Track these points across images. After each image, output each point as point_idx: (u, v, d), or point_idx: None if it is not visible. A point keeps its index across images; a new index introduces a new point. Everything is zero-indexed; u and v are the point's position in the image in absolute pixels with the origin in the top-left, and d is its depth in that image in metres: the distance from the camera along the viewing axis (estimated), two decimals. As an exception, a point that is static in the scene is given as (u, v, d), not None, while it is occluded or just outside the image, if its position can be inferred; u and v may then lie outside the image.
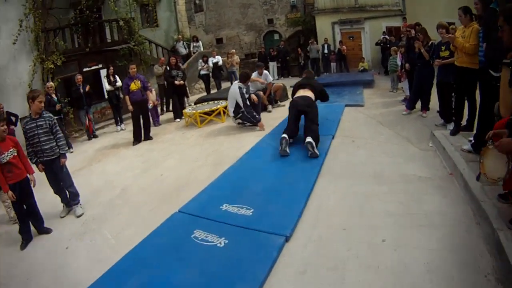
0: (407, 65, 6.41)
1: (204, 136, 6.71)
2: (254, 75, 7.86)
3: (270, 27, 16.37)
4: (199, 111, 7.57)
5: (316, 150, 4.43)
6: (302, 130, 4.90)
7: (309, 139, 4.49)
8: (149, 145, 6.76)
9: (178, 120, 8.40)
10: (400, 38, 8.98)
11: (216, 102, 8.13)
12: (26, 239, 3.64)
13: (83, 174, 5.65)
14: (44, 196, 4.28)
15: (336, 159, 4.49)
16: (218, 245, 2.83)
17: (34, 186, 3.81)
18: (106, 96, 8.68)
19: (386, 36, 11.59)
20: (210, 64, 10.56)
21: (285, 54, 13.85)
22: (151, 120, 7.60)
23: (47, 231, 3.83)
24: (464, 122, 4.56)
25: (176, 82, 8.29)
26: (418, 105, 6.19)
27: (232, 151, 5.43)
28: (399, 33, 10.31)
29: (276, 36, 16.31)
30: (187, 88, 9.85)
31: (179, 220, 3.38)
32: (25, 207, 3.71)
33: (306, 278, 2.42)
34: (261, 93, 7.65)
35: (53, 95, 7.04)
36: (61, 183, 4.17)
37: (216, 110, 7.59)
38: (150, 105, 7.45)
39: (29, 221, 3.74)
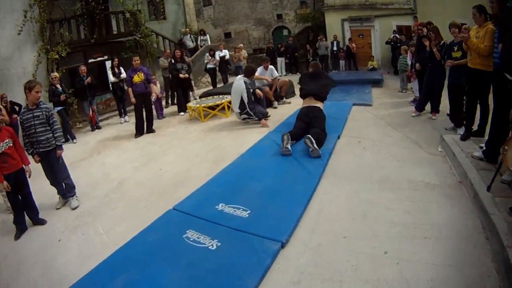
0: (417, 65, 6.18)
1: (207, 130, 6.60)
2: (259, 69, 7.71)
3: (279, 23, 16.18)
4: (203, 105, 7.46)
5: (315, 146, 4.30)
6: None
7: (308, 135, 4.40)
8: (151, 138, 6.67)
9: (182, 113, 8.30)
10: (411, 37, 8.75)
11: (221, 96, 7.98)
12: (20, 229, 3.62)
13: (83, 165, 5.61)
14: (42, 187, 4.24)
15: (341, 161, 4.33)
16: (210, 247, 2.70)
17: (29, 177, 3.79)
18: (111, 88, 8.62)
19: (397, 35, 11.34)
20: (217, 57, 10.43)
21: (294, 50, 13.65)
22: (154, 113, 7.51)
23: (42, 222, 3.80)
24: (475, 127, 4.36)
25: (181, 75, 8.16)
26: (428, 107, 5.98)
27: (234, 147, 5.31)
28: (410, 32, 10.09)
29: (285, 32, 16.12)
30: (192, 82, 9.74)
31: (172, 218, 3.27)
32: (20, 197, 3.69)
33: (299, 289, 2.27)
34: (266, 88, 7.50)
35: (58, 86, 7.02)
36: (57, 174, 4.09)
37: (221, 104, 7.46)
38: (153, 98, 7.34)
39: (24, 211, 3.72)
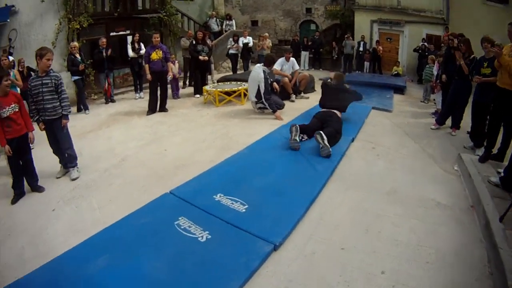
0: (443, 76, 5.85)
1: (219, 116, 6.48)
2: (280, 60, 7.48)
3: (308, 16, 15.80)
4: (219, 89, 7.32)
5: (326, 143, 4.15)
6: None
7: (320, 131, 4.27)
8: (162, 117, 6.59)
9: (197, 96, 8.18)
10: (440, 47, 8.38)
11: (238, 83, 7.81)
12: (18, 194, 3.63)
13: (90, 137, 5.57)
14: (46, 154, 4.23)
15: (352, 165, 4.15)
16: (199, 239, 2.59)
17: (32, 143, 3.78)
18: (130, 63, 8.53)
19: (425, 43, 10.95)
20: (240, 44, 10.25)
21: (319, 45, 13.34)
22: (170, 92, 7.40)
23: (40, 189, 3.79)
24: (495, 149, 4.10)
25: (201, 57, 8.01)
26: (449, 121, 5.70)
27: (243, 137, 5.18)
28: (439, 42, 9.72)
29: (313, 26, 15.73)
30: (212, 65, 9.59)
31: (167, 202, 3.18)
32: (21, 163, 3.69)
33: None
34: (286, 78, 7.29)
35: (77, 55, 6.96)
36: (60, 144, 4.04)
37: (237, 91, 7.31)
38: (169, 77, 7.21)
39: (24, 177, 3.72)
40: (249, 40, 10.46)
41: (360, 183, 3.70)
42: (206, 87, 7.68)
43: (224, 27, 12.55)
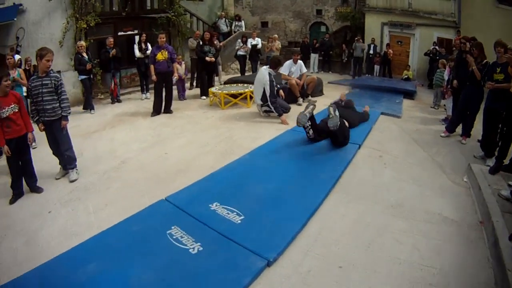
0: (455, 82, 5.62)
1: (224, 119, 6.39)
2: (288, 63, 7.36)
3: (318, 18, 15.65)
4: (225, 92, 7.23)
5: (337, 114, 4.22)
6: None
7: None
8: (166, 119, 6.53)
9: (204, 97, 8.09)
10: (451, 52, 8.15)
11: (245, 85, 7.70)
12: (17, 194, 3.63)
13: (93, 138, 5.55)
14: (46, 154, 4.22)
15: (357, 175, 4.00)
16: (191, 250, 2.49)
17: (31, 144, 3.80)
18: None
19: (437, 47, 10.70)
20: (249, 45, 10.15)
21: (329, 47, 13.19)
22: (175, 93, 7.34)
23: (38, 190, 3.78)
24: (507, 160, 3.92)
25: (207, 58, 7.92)
26: (459, 128, 5.50)
27: (247, 141, 5.09)
28: (451, 46, 9.47)
29: (323, 28, 15.58)
30: (220, 67, 9.51)
31: (161, 210, 3.10)
32: (20, 163, 3.69)
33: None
34: (293, 80, 7.16)
35: (84, 54, 6.95)
36: (59, 145, 4.01)
37: (244, 93, 7.21)
38: (175, 78, 7.15)
39: (23, 177, 3.71)
40: (258, 41, 10.35)
41: (364, 194, 3.55)
42: (212, 89, 7.59)
43: (233, 28, 12.48)
